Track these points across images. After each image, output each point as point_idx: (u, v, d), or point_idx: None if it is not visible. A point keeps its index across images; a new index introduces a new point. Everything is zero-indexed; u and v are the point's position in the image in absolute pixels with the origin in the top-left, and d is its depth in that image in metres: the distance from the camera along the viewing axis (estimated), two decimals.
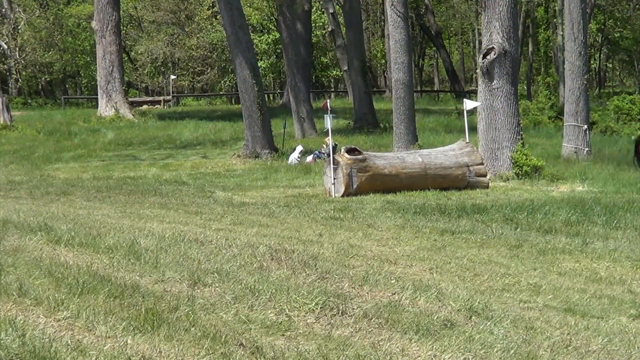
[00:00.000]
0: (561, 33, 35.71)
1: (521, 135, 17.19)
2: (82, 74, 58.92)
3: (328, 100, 17.02)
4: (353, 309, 5.26)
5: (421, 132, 24.35)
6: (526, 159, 16.57)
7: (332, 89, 64.83)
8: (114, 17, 33.94)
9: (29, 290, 5.21)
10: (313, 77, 50.03)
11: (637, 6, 53.00)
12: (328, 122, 15.09)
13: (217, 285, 5.69)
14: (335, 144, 16.51)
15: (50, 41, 52.70)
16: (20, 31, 50.61)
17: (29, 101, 51.70)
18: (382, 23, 56.64)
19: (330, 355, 4.40)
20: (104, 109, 33.93)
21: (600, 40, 58.38)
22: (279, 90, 55.10)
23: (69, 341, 4.30)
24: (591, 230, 9.85)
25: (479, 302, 5.67)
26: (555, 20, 47.58)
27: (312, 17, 39.28)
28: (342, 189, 13.89)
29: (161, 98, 47.37)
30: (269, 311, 5.13)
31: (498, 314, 5.44)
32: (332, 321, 5.03)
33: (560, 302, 6.14)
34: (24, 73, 53.71)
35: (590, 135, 22.74)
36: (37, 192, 13.63)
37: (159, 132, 28.87)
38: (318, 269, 6.41)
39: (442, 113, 37.92)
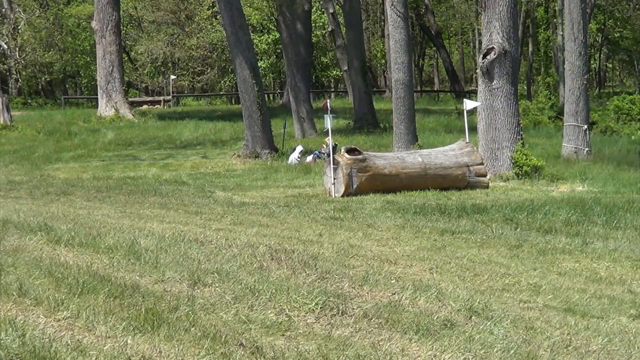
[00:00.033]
0: (561, 33, 35.71)
1: (521, 135, 17.20)
2: (82, 74, 58.92)
3: (328, 100, 17.02)
4: (353, 309, 5.26)
5: (421, 132, 24.35)
6: (526, 159, 16.57)
7: (332, 89, 64.83)
8: (114, 17, 33.94)
9: (29, 290, 5.21)
10: (313, 77, 50.03)
11: (637, 6, 53.00)
12: (328, 122, 15.09)
13: (217, 285, 5.69)
14: (335, 144, 16.51)
15: (50, 41, 52.70)
16: (20, 31, 50.60)
17: (29, 101, 51.70)
18: (382, 23, 56.64)
19: (330, 355, 4.40)
20: (104, 109, 33.93)
21: (600, 40, 58.39)
22: (279, 90, 55.10)
23: (69, 341, 4.30)
24: (591, 230, 9.85)
25: (479, 302, 5.67)
26: (555, 20, 47.59)
27: (312, 17, 39.28)
28: (342, 189, 13.89)
29: (161, 98, 47.37)
30: (269, 311, 5.13)
31: (498, 314, 5.44)
32: (332, 321, 5.03)
33: (560, 302, 6.14)
34: (24, 73, 53.71)
35: (590, 135, 22.74)
36: (37, 192, 13.63)
37: (159, 132, 28.87)
38: (318, 269, 6.41)
39: (442, 113, 37.91)
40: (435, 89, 66.26)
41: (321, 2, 42.62)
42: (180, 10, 54.08)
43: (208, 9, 51.25)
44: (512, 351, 4.66)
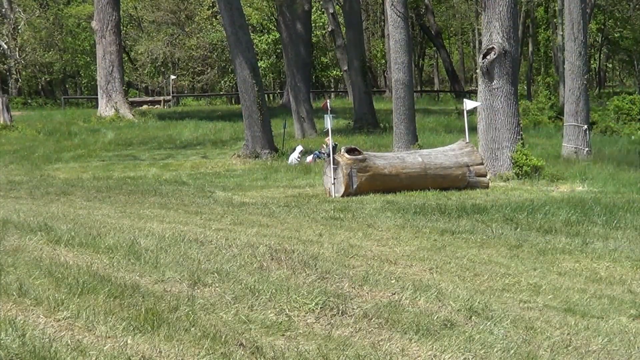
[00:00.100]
0: (561, 33, 35.71)
1: (521, 135, 17.20)
2: (82, 74, 58.94)
3: (328, 100, 17.02)
4: (353, 309, 5.26)
5: (421, 132, 24.35)
6: (526, 159, 16.57)
7: (332, 89, 64.83)
8: (114, 17, 33.94)
9: (29, 290, 5.21)
10: (313, 77, 50.03)
11: (637, 6, 52.99)
12: (328, 122, 15.09)
13: (217, 285, 5.69)
14: (335, 144, 16.51)
15: (50, 41, 52.70)
16: (20, 31, 50.60)
17: (29, 101, 51.70)
18: (382, 23, 56.64)
19: (330, 355, 4.40)
20: (104, 109, 33.94)
21: (600, 40, 58.39)
22: (279, 90, 55.11)
23: (69, 341, 4.30)
24: (591, 230, 9.85)
25: (479, 302, 5.67)
26: (555, 20, 47.59)
27: (312, 17, 39.28)
28: (342, 189, 13.89)
29: (161, 98, 47.38)
30: (269, 311, 5.13)
31: (498, 314, 5.44)
32: (332, 321, 5.03)
33: (560, 302, 6.14)
34: (24, 73, 53.71)
35: (590, 135, 22.73)
36: (37, 192, 13.63)
37: (159, 132, 28.87)
38: (318, 269, 6.41)
39: (442, 113, 37.91)
40: (435, 89, 66.26)
41: (321, 2, 42.62)
42: (180, 10, 54.08)
43: (208, 9, 51.25)
44: (512, 351, 4.66)
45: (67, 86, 62.74)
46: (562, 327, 5.36)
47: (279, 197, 13.68)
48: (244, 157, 21.63)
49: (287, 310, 5.16)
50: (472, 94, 39.93)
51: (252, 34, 35.75)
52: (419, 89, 58.79)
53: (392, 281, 6.27)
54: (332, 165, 14.01)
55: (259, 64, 31.66)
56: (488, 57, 16.74)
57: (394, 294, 5.81)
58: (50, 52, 52.58)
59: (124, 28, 50.87)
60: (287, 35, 29.01)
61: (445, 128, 29.46)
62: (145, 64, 55.08)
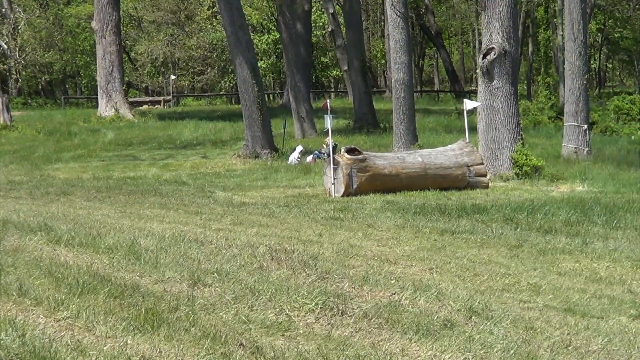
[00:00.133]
0: (561, 33, 35.71)
1: (521, 135, 17.20)
2: (82, 74, 58.95)
3: (328, 100, 17.02)
4: (353, 309, 5.26)
5: (421, 132, 24.35)
6: (526, 159, 16.57)
7: (332, 89, 64.84)
8: (114, 17, 33.95)
9: (29, 290, 5.21)
10: (313, 77, 50.03)
11: (637, 6, 53.01)
12: (328, 122, 15.09)
13: (217, 285, 5.69)
14: (335, 144, 16.52)
15: (50, 41, 52.71)
16: (20, 31, 50.60)
17: (29, 101, 51.71)
18: (382, 23, 56.64)
19: (330, 355, 4.40)
20: (104, 109, 33.94)
21: (600, 40, 58.39)
22: (279, 90, 55.10)
23: (69, 341, 4.30)
24: (591, 230, 9.85)
25: (479, 302, 5.67)
26: (555, 20, 47.60)
27: (312, 17, 39.29)
28: (342, 189, 13.89)
29: (161, 98, 47.39)
30: (269, 311, 5.13)
31: (498, 314, 5.44)
32: (332, 321, 5.03)
33: (560, 302, 6.14)
34: (24, 73, 53.71)
35: (590, 135, 22.74)
36: (37, 192, 13.63)
37: (159, 132, 28.87)
38: (318, 269, 6.41)
39: (442, 113, 37.91)
40: (435, 89, 66.27)
41: (321, 2, 42.62)
42: (180, 10, 54.09)
43: (208, 9, 51.26)
44: (512, 351, 4.66)
45: (67, 86, 62.74)
46: (562, 327, 5.36)
47: (279, 197, 13.68)
48: (244, 157, 21.64)
49: (287, 310, 5.15)
50: (472, 94, 39.93)
51: (252, 34, 35.75)
52: (419, 89, 58.80)
53: (392, 281, 6.26)
54: (332, 165, 14.01)
55: (259, 64, 31.66)
56: (488, 57, 16.74)
57: (394, 294, 5.81)
58: (50, 52, 52.59)
59: (124, 28, 50.87)
60: (287, 35, 29.01)
61: (445, 128, 29.46)
62: (145, 64, 55.09)
